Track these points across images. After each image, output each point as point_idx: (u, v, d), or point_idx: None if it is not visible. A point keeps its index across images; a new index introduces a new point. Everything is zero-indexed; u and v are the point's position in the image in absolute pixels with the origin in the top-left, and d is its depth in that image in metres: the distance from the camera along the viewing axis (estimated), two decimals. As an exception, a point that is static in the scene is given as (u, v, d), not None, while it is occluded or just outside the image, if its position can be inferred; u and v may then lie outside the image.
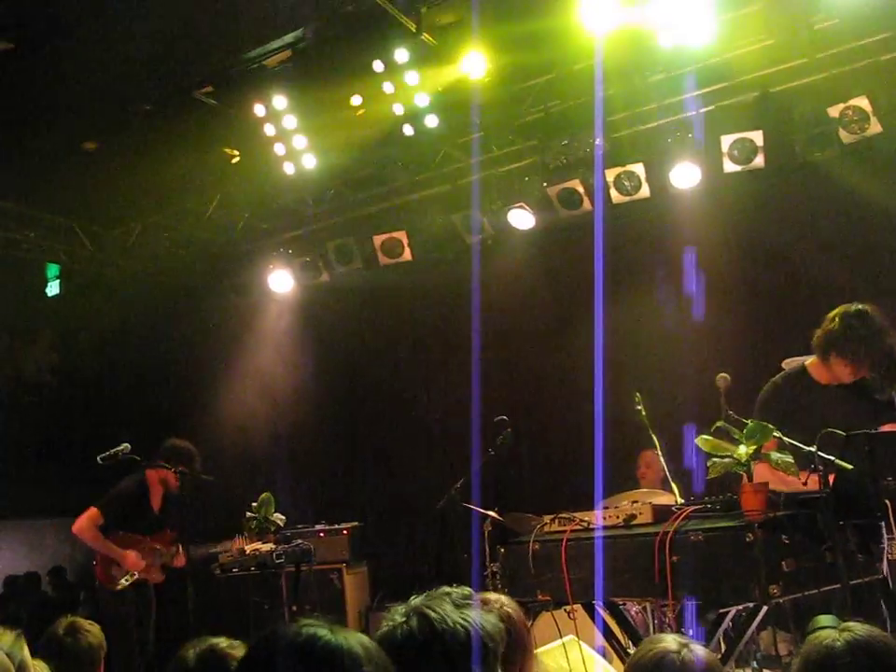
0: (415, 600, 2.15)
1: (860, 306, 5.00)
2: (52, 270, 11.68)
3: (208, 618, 7.14)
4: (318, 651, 1.60)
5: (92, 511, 7.49)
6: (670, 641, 2.60)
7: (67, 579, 12.26)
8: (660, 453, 6.06)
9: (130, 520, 7.59)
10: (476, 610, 2.12)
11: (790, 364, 5.60)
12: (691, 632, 5.71)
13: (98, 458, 7.25)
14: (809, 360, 5.15)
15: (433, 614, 2.08)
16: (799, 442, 4.15)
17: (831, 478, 3.94)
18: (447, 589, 2.19)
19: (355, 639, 1.66)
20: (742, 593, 3.84)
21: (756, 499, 4.14)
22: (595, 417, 8.33)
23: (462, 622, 2.07)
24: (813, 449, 3.97)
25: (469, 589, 2.20)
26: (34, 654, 2.98)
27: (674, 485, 5.89)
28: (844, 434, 4.04)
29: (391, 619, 2.12)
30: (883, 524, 4.03)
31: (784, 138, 7.72)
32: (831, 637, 2.50)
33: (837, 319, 4.97)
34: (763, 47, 7.51)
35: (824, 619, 2.70)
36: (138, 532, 7.61)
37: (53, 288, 11.88)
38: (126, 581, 7.48)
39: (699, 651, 2.57)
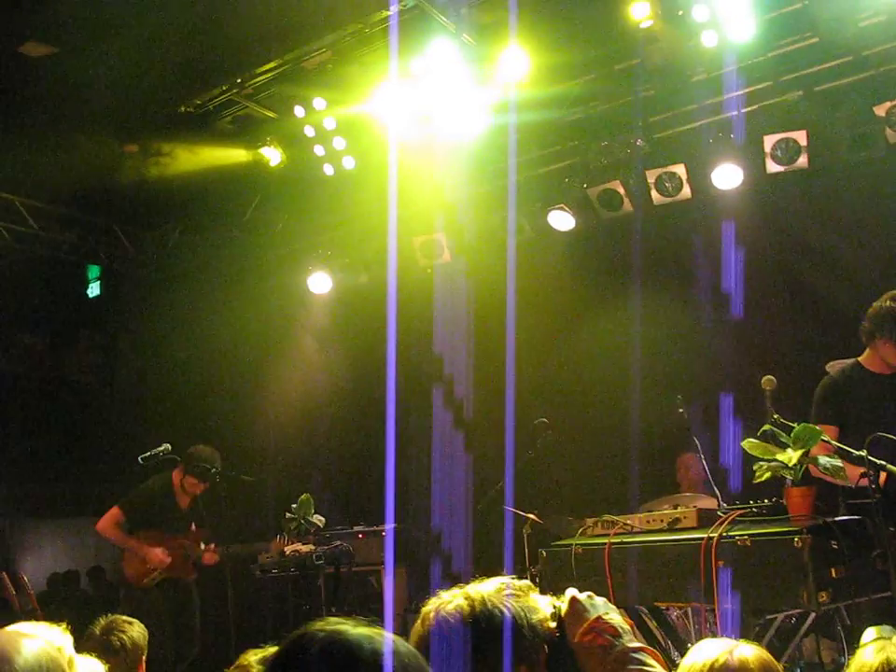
0: (468, 586, 2.17)
1: None
2: (93, 271, 11.79)
3: (248, 619, 7.17)
4: (341, 644, 1.59)
5: (114, 509, 7.61)
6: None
7: (106, 578, 12.36)
8: (702, 456, 5.99)
9: (155, 519, 7.67)
10: (525, 603, 2.12)
11: (833, 367, 5.54)
12: (734, 638, 5.61)
13: (139, 459, 7.34)
14: (863, 355, 5.22)
15: (475, 595, 2.11)
16: (856, 437, 4.11)
17: (882, 482, 3.87)
18: (503, 578, 2.19)
19: (382, 636, 1.65)
20: (790, 599, 3.77)
21: (803, 504, 4.09)
22: (634, 419, 8.29)
23: (503, 607, 2.07)
24: (863, 453, 3.90)
25: (527, 582, 2.20)
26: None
27: (716, 489, 5.81)
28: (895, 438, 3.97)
29: (438, 598, 2.16)
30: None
31: (828, 138, 7.58)
32: (885, 647, 2.44)
33: (882, 302, 5.12)
34: (808, 45, 7.42)
35: (877, 629, 2.64)
36: (165, 530, 7.67)
37: (94, 290, 12.00)
38: (153, 578, 7.53)
39: None
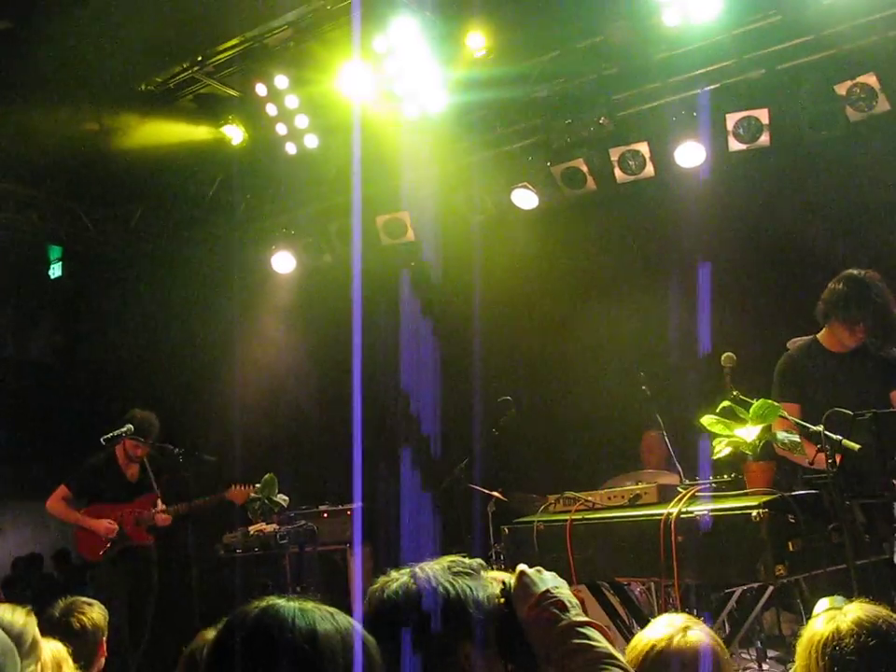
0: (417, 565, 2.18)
1: (856, 271, 5.22)
2: (54, 252, 11.67)
3: (212, 599, 7.15)
4: (271, 619, 1.63)
5: (61, 486, 7.72)
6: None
7: (71, 560, 12.28)
8: (664, 433, 6.03)
9: (100, 491, 7.75)
10: (474, 580, 2.12)
11: (794, 344, 5.60)
12: (695, 612, 5.69)
13: (101, 440, 7.31)
14: (821, 333, 5.31)
15: (420, 574, 2.11)
16: (814, 413, 4.17)
17: (838, 458, 3.90)
18: (454, 557, 2.18)
19: (316, 611, 1.68)
20: (748, 573, 3.80)
21: (762, 479, 4.12)
22: (598, 397, 8.33)
23: (448, 585, 2.07)
24: (820, 428, 3.94)
25: (480, 560, 2.20)
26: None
27: (678, 465, 5.85)
28: (851, 413, 4.01)
29: (386, 576, 2.16)
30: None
31: (790, 116, 7.62)
32: (836, 618, 2.47)
33: (834, 284, 5.22)
34: (770, 23, 7.44)
35: (829, 600, 2.67)
36: (111, 501, 7.71)
37: (56, 270, 11.89)
38: (110, 550, 7.55)
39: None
